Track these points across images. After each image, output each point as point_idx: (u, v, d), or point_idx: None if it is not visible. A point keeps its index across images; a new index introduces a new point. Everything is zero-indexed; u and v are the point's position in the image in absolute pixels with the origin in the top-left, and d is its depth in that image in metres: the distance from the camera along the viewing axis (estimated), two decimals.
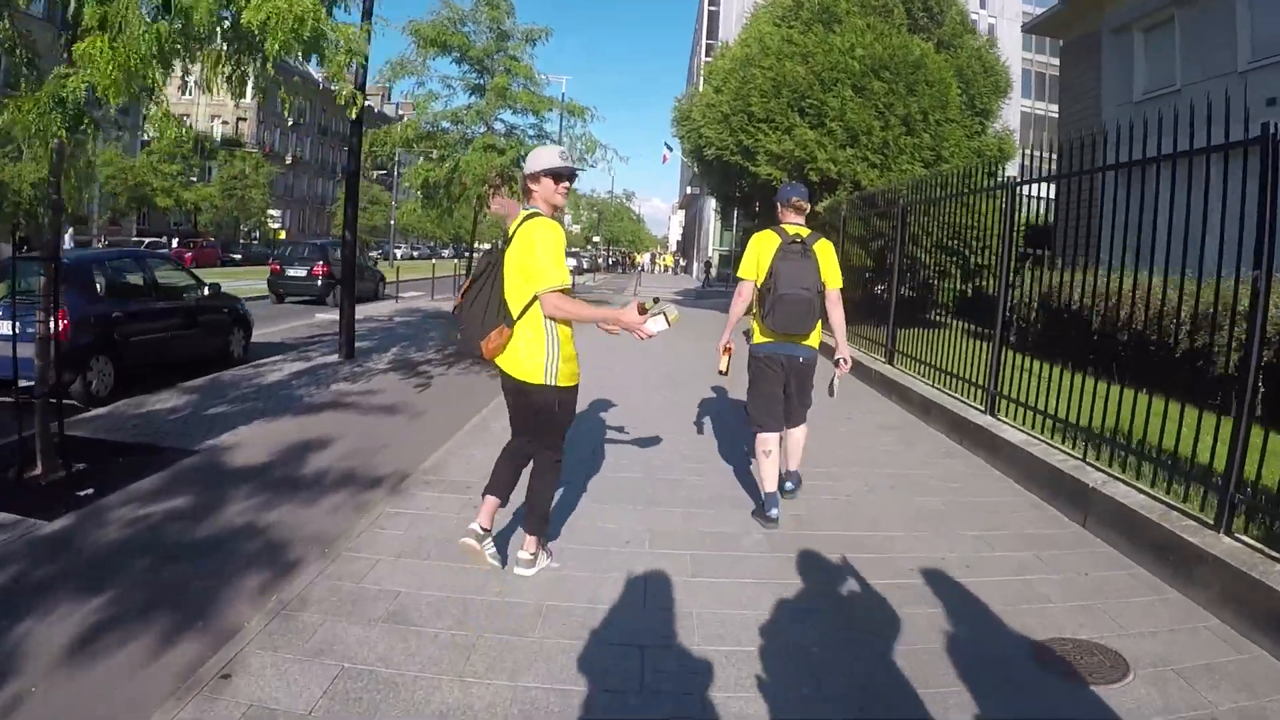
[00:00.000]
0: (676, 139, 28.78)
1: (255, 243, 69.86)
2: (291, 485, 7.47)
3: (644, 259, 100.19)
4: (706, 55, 46.71)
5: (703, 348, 17.85)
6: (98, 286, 11.75)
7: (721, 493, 7.46)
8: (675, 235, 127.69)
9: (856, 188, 20.74)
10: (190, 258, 52.95)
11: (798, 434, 7.10)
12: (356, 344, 16.16)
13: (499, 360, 5.17)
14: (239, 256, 60.54)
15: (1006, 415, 9.18)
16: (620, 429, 9.47)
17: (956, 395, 10.61)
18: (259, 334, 17.68)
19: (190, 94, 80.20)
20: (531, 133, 21.86)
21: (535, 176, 5.19)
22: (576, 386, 5.35)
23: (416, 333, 19.83)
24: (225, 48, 8.16)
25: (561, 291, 4.98)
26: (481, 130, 21.03)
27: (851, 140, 21.37)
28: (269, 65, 7.75)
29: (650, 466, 8.19)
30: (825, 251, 6.60)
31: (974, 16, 28.11)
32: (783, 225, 6.64)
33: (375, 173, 72.40)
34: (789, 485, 7.08)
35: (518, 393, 5.26)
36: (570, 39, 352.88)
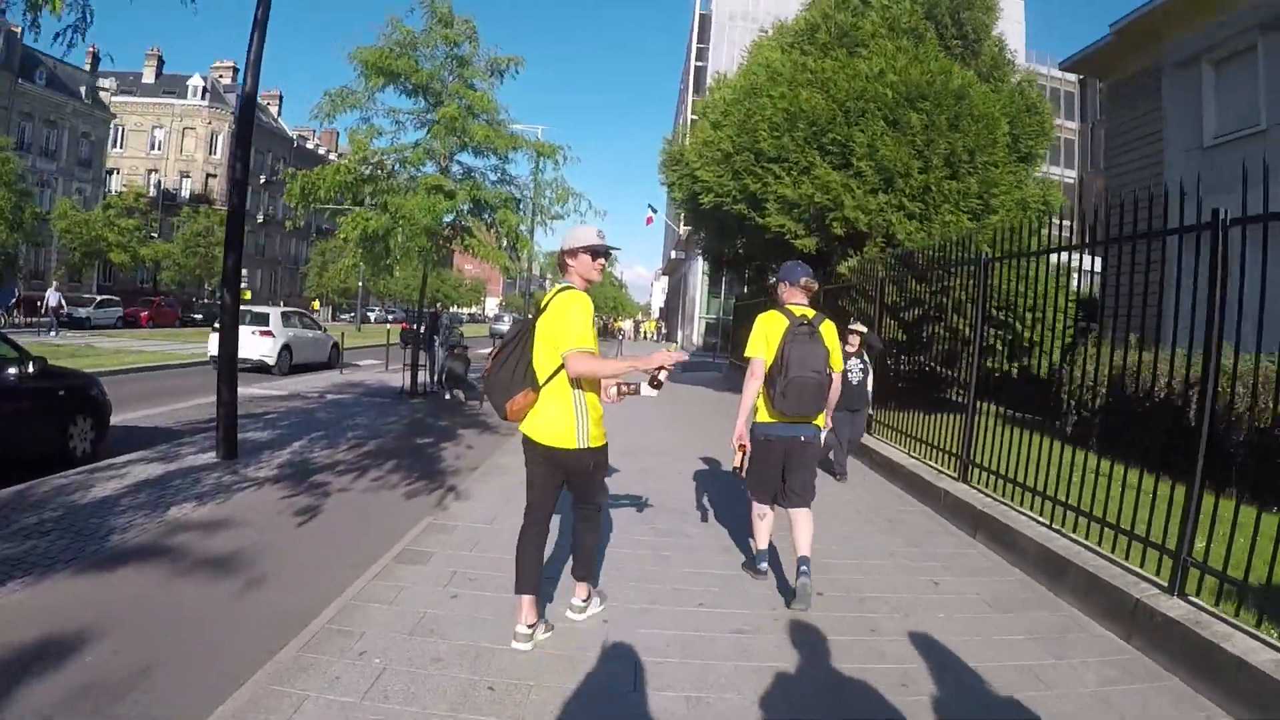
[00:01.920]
0: (665, 187, 24.82)
1: (220, 302, 66.39)
2: None
3: (627, 325, 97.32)
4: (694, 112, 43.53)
5: (683, 438, 14.18)
6: None
7: None
8: (658, 303, 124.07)
9: (889, 244, 17.12)
10: (146, 317, 49.86)
11: (804, 520, 6.70)
12: (249, 435, 12.62)
13: (523, 426, 5.42)
14: (200, 316, 57.01)
15: (1216, 601, 5.68)
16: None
17: (1104, 552, 6.99)
18: (152, 411, 15.61)
19: (159, 149, 78.21)
20: (493, 177, 18.45)
21: (574, 252, 5.48)
22: (606, 445, 5.59)
23: (341, 417, 15.91)
24: None
25: (585, 352, 5.14)
26: (435, 171, 17.66)
27: (885, 184, 17.69)
28: None
29: None
30: (830, 334, 6.69)
31: None
32: (788, 306, 6.67)
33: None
34: (803, 569, 6.48)
35: (548, 460, 5.40)
36: (547, 93, 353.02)
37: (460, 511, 8.70)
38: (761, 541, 7.03)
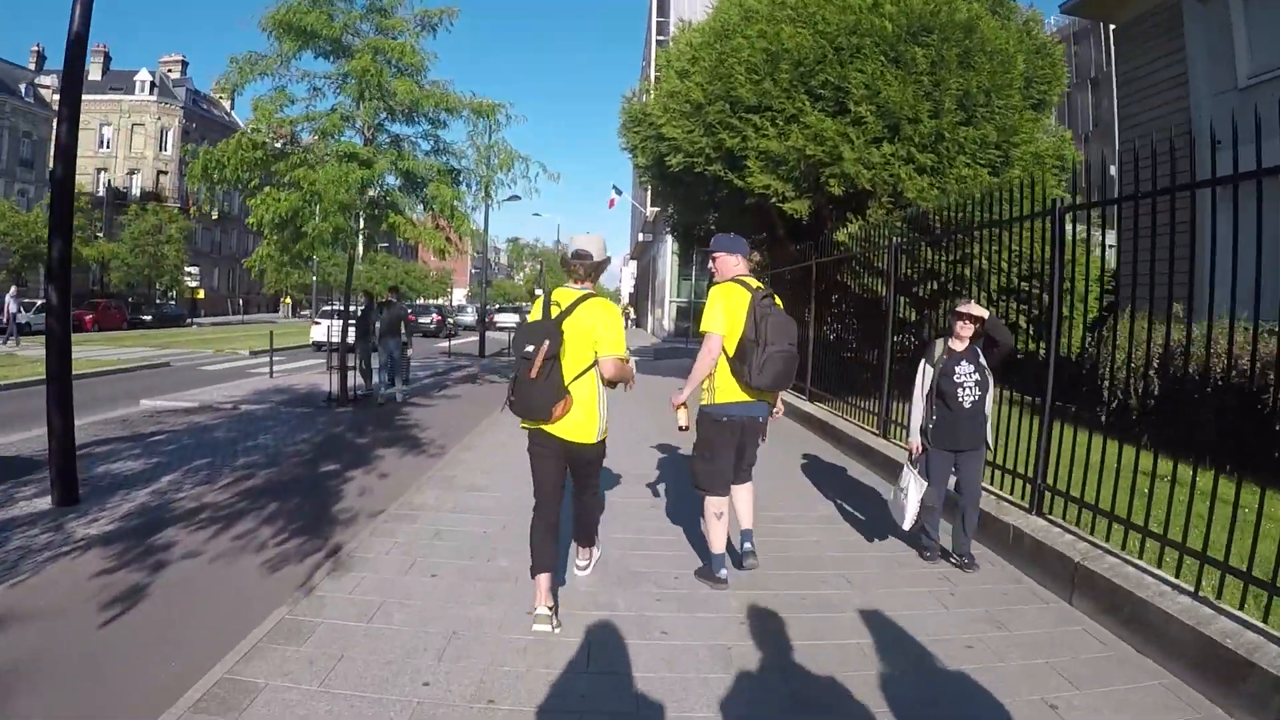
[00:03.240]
0: (627, 152, 21.58)
1: (172, 303, 63.82)
2: None
3: None
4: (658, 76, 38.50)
5: (653, 455, 11.53)
6: None
7: None
8: (627, 288, 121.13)
9: (896, 204, 14.57)
10: (91, 320, 46.98)
11: (748, 492, 6.73)
12: (115, 466, 10.27)
13: (552, 427, 5.60)
14: (149, 318, 54.21)
15: None
16: None
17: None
18: (26, 435, 12.33)
19: (107, 146, 75.38)
20: (425, 145, 15.91)
21: (606, 262, 6.03)
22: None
23: (242, 436, 13.09)
24: None
25: (622, 358, 5.69)
26: (358, 141, 15.16)
27: (890, 132, 15.04)
28: None
29: None
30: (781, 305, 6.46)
31: None
32: (742, 279, 6.43)
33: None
34: (747, 545, 6.63)
35: (568, 452, 5.74)
36: (510, 80, 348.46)
37: (332, 596, 5.96)
38: (719, 544, 6.53)
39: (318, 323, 34.30)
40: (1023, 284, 11.41)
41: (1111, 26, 21.45)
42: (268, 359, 24.58)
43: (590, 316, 5.58)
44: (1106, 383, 10.18)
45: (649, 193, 33.28)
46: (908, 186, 14.67)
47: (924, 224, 11.82)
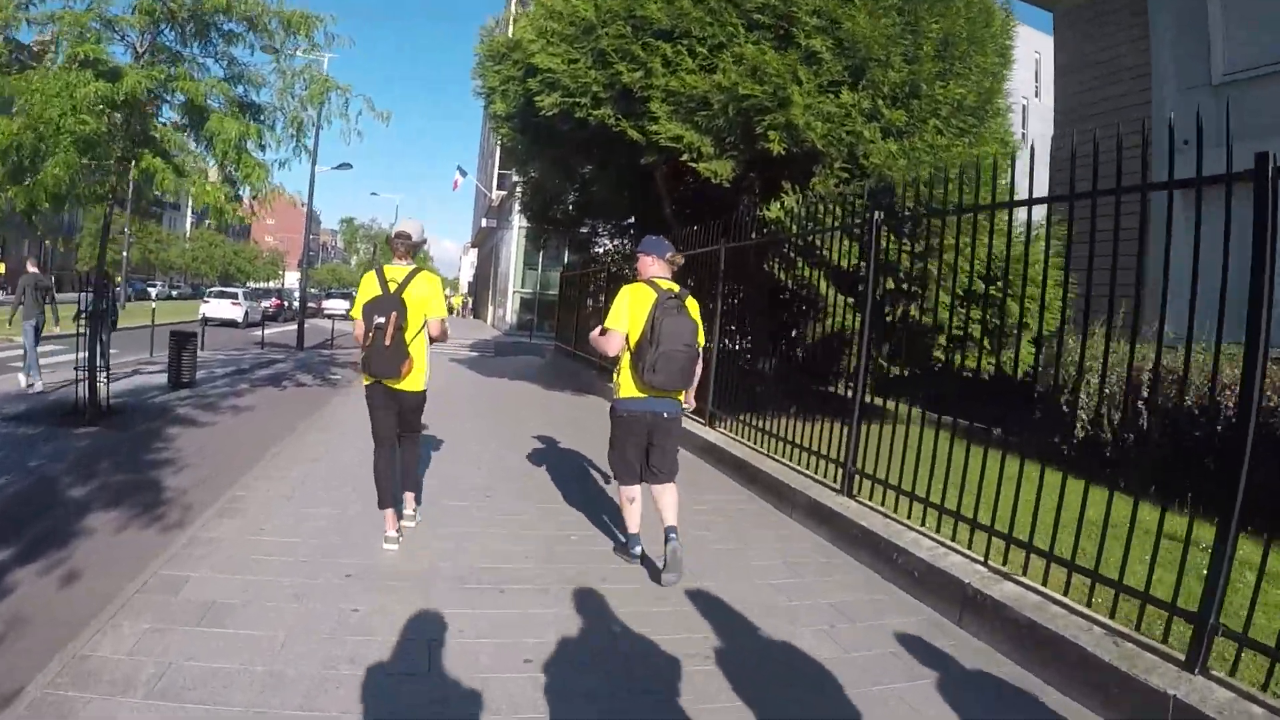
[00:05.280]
0: (482, 96, 16.48)
1: None
2: None
3: None
4: None
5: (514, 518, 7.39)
6: None
7: None
8: (466, 277, 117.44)
9: (854, 174, 11.55)
10: None
11: (670, 493, 6.65)
12: None
13: (393, 382, 6.61)
14: None
15: None
16: None
17: None
18: None
19: None
20: (218, 68, 12.27)
21: (423, 243, 7.19)
22: None
23: None
24: None
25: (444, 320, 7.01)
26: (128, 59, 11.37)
27: (852, 76, 11.67)
28: None
29: None
30: (695, 309, 6.65)
31: None
32: (655, 280, 6.59)
33: None
34: (671, 536, 6.39)
35: (400, 400, 6.80)
36: (356, 54, 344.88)
37: None
38: (633, 525, 6.80)
39: (206, 301, 43.29)
40: (981, 286, 9.58)
41: (1052, 13, 19.67)
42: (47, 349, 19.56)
43: (422, 288, 6.71)
44: (1086, 411, 9.20)
45: (498, 158, 29.58)
46: (873, 150, 11.38)
47: (886, 200, 9.44)
